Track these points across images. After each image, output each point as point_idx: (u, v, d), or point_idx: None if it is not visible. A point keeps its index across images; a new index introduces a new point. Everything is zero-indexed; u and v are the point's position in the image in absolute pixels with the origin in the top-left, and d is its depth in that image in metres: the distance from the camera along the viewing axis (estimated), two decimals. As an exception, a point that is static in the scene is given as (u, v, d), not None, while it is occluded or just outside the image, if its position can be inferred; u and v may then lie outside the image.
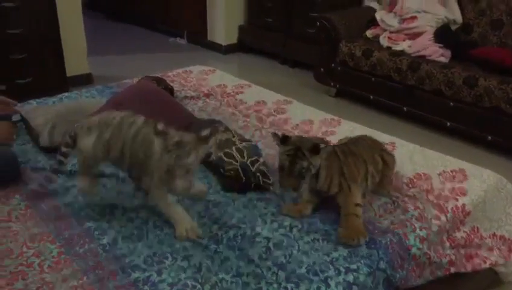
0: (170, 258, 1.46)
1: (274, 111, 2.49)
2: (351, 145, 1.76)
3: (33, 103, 2.50)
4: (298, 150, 1.55)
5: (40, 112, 2.20)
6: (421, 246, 1.60)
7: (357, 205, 1.60)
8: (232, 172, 1.82)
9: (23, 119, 2.23)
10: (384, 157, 1.79)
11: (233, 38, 5.30)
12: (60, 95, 2.67)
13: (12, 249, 1.47)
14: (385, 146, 1.91)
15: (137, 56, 5.19)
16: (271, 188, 1.80)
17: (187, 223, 1.56)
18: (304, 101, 2.69)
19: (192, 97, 2.65)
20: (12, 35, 3.37)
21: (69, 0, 3.82)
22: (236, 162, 1.83)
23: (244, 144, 1.94)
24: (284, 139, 1.60)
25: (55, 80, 3.69)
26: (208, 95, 2.69)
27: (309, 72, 4.57)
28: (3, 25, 3.33)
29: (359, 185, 1.66)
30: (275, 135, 1.63)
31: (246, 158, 1.85)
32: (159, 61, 5.03)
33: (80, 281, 1.35)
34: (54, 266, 1.41)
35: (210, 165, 1.91)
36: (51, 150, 1.94)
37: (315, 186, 1.64)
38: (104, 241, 1.52)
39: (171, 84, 2.69)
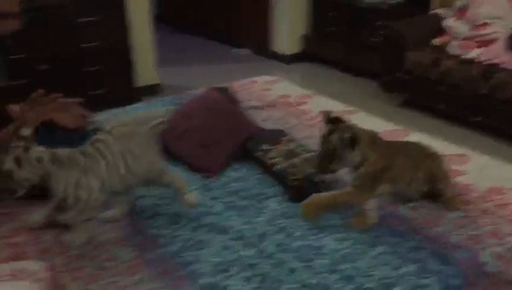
0: (235, 267, 1.49)
1: (339, 121, 2.47)
2: (402, 147, 1.74)
3: (106, 113, 2.62)
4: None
5: (111, 122, 2.30)
6: (495, 263, 1.53)
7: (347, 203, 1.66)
8: (296, 183, 1.82)
9: (94, 129, 2.34)
10: (431, 168, 1.72)
11: (296, 48, 5.33)
12: (131, 106, 2.78)
13: (89, 251, 1.55)
14: (439, 157, 1.79)
15: (203, 67, 5.33)
16: None
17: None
18: (369, 111, 2.65)
19: (256, 107, 2.68)
20: (87, 48, 3.58)
21: (140, 14, 3.99)
22: (301, 173, 1.83)
23: (308, 154, 1.94)
24: (332, 120, 1.61)
25: (126, 90, 3.87)
26: (271, 105, 2.71)
27: (373, 81, 4.49)
28: (80, 39, 3.53)
29: (400, 186, 1.67)
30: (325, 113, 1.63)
31: (310, 169, 1.85)
32: (223, 71, 5.13)
33: (151, 286, 1.40)
34: (127, 270, 1.47)
35: (274, 175, 1.92)
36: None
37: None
38: (172, 248, 1.57)
39: (236, 94, 2.74)
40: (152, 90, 4.28)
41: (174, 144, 2.07)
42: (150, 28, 4.21)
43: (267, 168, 1.96)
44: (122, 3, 3.69)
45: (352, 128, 1.58)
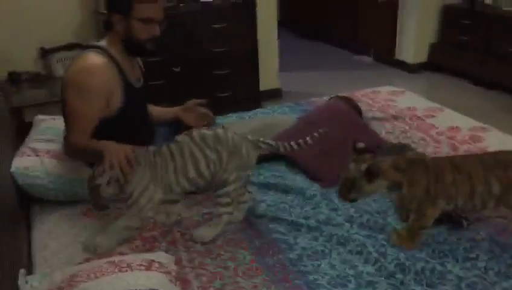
0: (354, 282, 1.46)
1: (469, 138, 2.33)
2: (458, 159, 1.61)
3: (232, 116, 2.73)
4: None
5: (240, 125, 2.39)
6: None
7: (423, 228, 1.58)
8: (423, 201, 1.74)
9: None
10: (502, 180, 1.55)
11: (422, 57, 5.09)
12: (255, 110, 2.87)
13: (211, 250, 1.63)
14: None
15: (323, 73, 5.31)
16: (465, 223, 1.68)
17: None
18: (504, 129, 2.45)
19: (379, 119, 2.62)
20: (218, 53, 3.74)
21: (267, 20, 4.09)
22: (427, 191, 1.75)
23: (436, 172, 1.85)
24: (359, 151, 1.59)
25: (249, 94, 3.98)
26: (396, 118, 2.63)
27: (509, 95, 4.15)
28: (211, 44, 3.71)
29: (449, 203, 1.56)
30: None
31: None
32: (343, 78, 5.08)
33: (269, 291, 1.44)
34: (247, 272, 1.52)
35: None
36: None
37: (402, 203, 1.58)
38: (291, 255, 1.59)
39: (359, 103, 2.70)
40: (273, 95, 4.36)
41: (296, 151, 2.08)
42: (275, 34, 4.30)
43: (390, 183, 1.91)
44: (253, 11, 3.81)
45: (372, 160, 1.54)
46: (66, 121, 1.88)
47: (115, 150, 1.63)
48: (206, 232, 1.68)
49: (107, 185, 1.59)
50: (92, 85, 1.78)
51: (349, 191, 1.55)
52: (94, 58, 1.82)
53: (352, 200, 1.59)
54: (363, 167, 1.51)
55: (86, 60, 1.82)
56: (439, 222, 1.69)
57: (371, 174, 1.51)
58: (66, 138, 1.85)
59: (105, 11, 3.14)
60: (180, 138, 1.70)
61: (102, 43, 1.92)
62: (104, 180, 1.58)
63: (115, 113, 1.87)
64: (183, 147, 1.66)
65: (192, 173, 1.65)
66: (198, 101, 2.21)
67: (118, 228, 1.66)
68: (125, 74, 1.91)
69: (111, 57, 1.86)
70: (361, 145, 1.63)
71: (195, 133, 1.70)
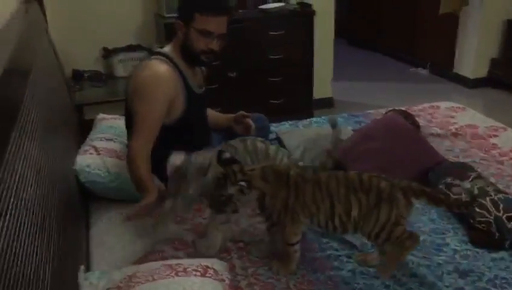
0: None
1: (534, 161, 2.23)
2: (324, 175, 1.52)
3: (286, 124, 2.73)
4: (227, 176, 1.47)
5: (294, 134, 2.39)
6: None
7: (290, 245, 1.53)
8: (483, 225, 1.68)
9: (277, 138, 2.45)
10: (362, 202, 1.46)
11: (483, 72, 4.92)
12: (308, 119, 2.85)
13: (265, 259, 1.62)
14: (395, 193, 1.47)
15: (377, 84, 5.22)
16: None
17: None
18: None
19: (438, 135, 2.55)
20: (274, 60, 3.75)
21: (324, 29, 4.07)
22: (490, 215, 1.69)
23: (500, 195, 1.78)
24: (221, 160, 1.54)
25: (302, 102, 3.96)
26: (455, 135, 2.55)
27: None
28: (267, 51, 3.73)
29: (312, 221, 1.52)
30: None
31: (501, 212, 1.69)
32: (398, 91, 4.97)
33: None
34: (298, 286, 1.50)
35: (457, 212, 1.80)
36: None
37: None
38: (343, 273, 1.56)
39: (416, 118, 2.63)
40: (325, 104, 4.33)
41: (351, 164, 2.05)
42: (331, 43, 4.27)
43: (449, 204, 1.85)
44: (311, 19, 3.80)
45: (242, 171, 1.50)
46: (129, 126, 1.92)
47: (150, 202, 1.69)
48: (208, 244, 1.65)
49: None
50: (158, 93, 1.83)
51: (225, 205, 1.50)
52: (159, 66, 1.86)
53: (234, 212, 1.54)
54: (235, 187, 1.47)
55: (151, 68, 1.86)
56: (500, 245, 1.63)
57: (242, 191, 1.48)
58: (130, 143, 1.88)
59: (169, 15, 3.26)
60: (234, 142, 1.71)
61: (167, 49, 1.96)
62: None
63: (177, 119, 1.91)
64: (237, 152, 1.67)
65: None
66: (245, 113, 2.24)
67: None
68: (187, 81, 1.94)
69: (174, 64, 1.90)
70: (226, 155, 1.57)
71: (249, 141, 1.71)
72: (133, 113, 1.85)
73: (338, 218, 1.49)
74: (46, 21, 3.01)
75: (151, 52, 2.00)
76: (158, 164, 1.82)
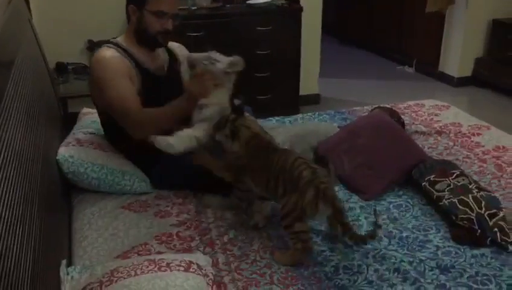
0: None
1: (517, 160, 2.25)
2: (280, 151, 1.70)
3: (273, 120, 2.73)
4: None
5: (280, 130, 2.38)
6: None
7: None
8: (465, 222, 1.70)
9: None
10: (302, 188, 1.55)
11: (467, 71, 4.97)
12: (295, 116, 2.85)
13: (248, 254, 1.62)
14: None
15: (363, 81, 5.25)
16: (510, 247, 1.63)
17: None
18: (554, 152, 2.37)
19: (422, 133, 2.56)
20: (261, 55, 3.74)
21: (312, 25, 4.07)
22: (472, 212, 1.70)
23: (482, 193, 1.80)
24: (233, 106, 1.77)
25: (288, 98, 3.96)
26: (439, 133, 2.57)
27: (558, 117, 4.01)
28: (255, 46, 3.71)
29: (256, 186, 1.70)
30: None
31: (483, 209, 1.71)
32: (384, 88, 5.00)
33: (304, 302, 1.42)
34: (282, 281, 1.50)
35: (439, 208, 1.82)
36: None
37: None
38: (327, 268, 1.56)
39: (402, 116, 2.65)
40: (311, 100, 4.33)
41: (336, 160, 2.06)
42: (319, 39, 4.27)
43: (432, 200, 1.86)
44: (299, 15, 3.79)
45: (238, 123, 1.69)
46: (113, 114, 1.90)
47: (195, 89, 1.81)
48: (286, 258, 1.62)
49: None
50: (114, 71, 1.86)
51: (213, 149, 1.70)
52: (104, 52, 1.89)
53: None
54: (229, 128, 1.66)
55: (97, 57, 1.90)
56: (482, 242, 1.65)
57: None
58: (127, 126, 1.87)
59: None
60: None
61: (118, 38, 2.00)
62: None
63: None
64: None
65: None
66: None
67: (187, 135, 1.75)
68: (140, 63, 1.95)
69: (123, 49, 1.92)
70: (237, 102, 1.78)
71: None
72: (107, 100, 1.86)
73: (269, 191, 1.65)
74: (30, 12, 2.96)
75: (100, 42, 2.01)
76: (143, 151, 1.88)
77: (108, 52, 1.89)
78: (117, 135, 1.98)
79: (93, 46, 3.52)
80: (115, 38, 2.02)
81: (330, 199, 1.53)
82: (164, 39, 1.99)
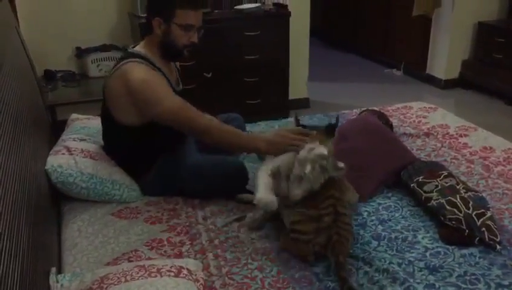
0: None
1: (504, 160, 2.28)
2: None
3: (261, 124, 2.74)
4: None
5: (268, 134, 2.39)
6: None
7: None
8: (453, 222, 1.71)
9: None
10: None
11: (454, 73, 5.02)
12: (284, 120, 2.86)
13: (240, 258, 1.63)
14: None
15: (352, 85, 5.28)
16: (498, 246, 1.65)
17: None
18: (540, 153, 2.40)
19: (411, 135, 2.59)
20: (249, 60, 3.75)
21: (300, 29, 4.09)
22: (460, 212, 1.72)
23: (469, 193, 1.82)
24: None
25: (278, 102, 3.98)
26: (427, 134, 2.59)
27: (544, 117, 4.06)
28: (243, 51, 3.73)
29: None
30: None
31: (471, 209, 1.73)
32: (372, 91, 5.03)
33: (296, 305, 1.42)
34: (273, 284, 1.51)
35: (428, 209, 1.84)
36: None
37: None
38: (317, 270, 1.57)
39: (390, 118, 2.67)
40: (301, 104, 4.35)
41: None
42: (307, 44, 4.30)
43: (421, 201, 1.88)
44: (286, 20, 3.81)
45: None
46: (106, 126, 1.94)
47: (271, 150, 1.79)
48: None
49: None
50: (159, 84, 1.86)
51: None
52: (139, 71, 1.85)
53: None
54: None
55: (135, 74, 1.84)
56: (470, 242, 1.66)
57: None
58: (196, 133, 1.92)
59: (143, 14, 3.23)
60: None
61: (140, 49, 1.94)
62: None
63: None
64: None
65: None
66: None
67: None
68: (167, 78, 1.94)
69: (152, 64, 1.89)
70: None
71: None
72: (165, 114, 1.85)
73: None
74: (17, 20, 2.95)
75: (125, 54, 1.97)
76: (139, 159, 1.88)
77: (143, 69, 1.86)
78: (116, 143, 1.99)
79: (81, 54, 3.52)
80: (133, 46, 2.00)
81: (336, 253, 1.54)
82: (189, 52, 1.98)
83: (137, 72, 1.85)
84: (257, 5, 3.80)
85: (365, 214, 1.87)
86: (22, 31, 2.81)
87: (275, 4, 3.91)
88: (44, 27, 3.43)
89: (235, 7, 3.77)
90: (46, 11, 3.44)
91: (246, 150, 2.00)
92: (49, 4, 3.43)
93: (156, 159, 1.99)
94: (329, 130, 1.81)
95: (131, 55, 1.92)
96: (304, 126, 1.89)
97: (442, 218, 1.75)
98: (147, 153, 1.98)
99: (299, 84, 4.32)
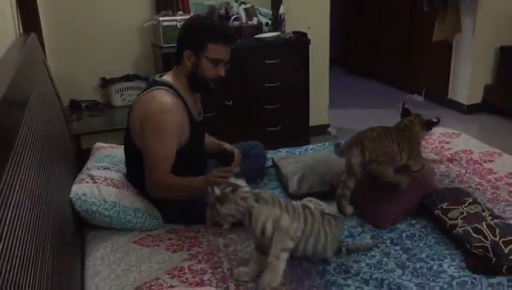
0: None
1: (530, 186, 2.23)
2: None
3: (282, 151, 2.74)
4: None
5: (290, 160, 2.39)
6: None
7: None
8: (480, 250, 1.67)
9: (274, 165, 2.46)
10: None
11: (477, 98, 4.97)
12: (305, 147, 2.86)
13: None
14: None
15: (373, 111, 5.26)
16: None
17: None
18: None
19: (433, 161, 2.56)
20: (269, 88, 3.78)
21: (320, 57, 4.14)
22: (487, 239, 1.68)
23: (496, 220, 1.78)
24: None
25: (299, 129, 3.98)
26: (451, 160, 2.56)
27: None
28: (263, 79, 3.76)
29: None
30: None
31: (498, 237, 1.68)
32: (394, 117, 4.98)
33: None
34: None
35: (453, 237, 1.80)
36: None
37: None
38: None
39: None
40: (321, 131, 4.36)
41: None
42: (327, 71, 4.32)
43: (446, 229, 1.84)
44: (306, 47, 3.85)
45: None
46: (130, 155, 1.97)
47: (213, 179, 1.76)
48: (271, 277, 1.55)
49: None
50: (169, 126, 1.88)
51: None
52: (165, 97, 1.90)
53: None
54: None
55: (158, 100, 1.89)
56: (497, 270, 1.62)
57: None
58: (148, 179, 1.92)
59: (166, 45, 3.31)
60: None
61: (168, 78, 1.99)
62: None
63: (181, 146, 1.95)
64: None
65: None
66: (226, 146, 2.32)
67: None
68: (190, 109, 1.98)
69: (177, 93, 1.93)
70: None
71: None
72: (146, 147, 1.90)
73: None
74: (45, 52, 3.05)
75: (153, 82, 2.02)
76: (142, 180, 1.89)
77: (168, 99, 1.90)
78: (138, 170, 2.01)
79: (105, 84, 3.60)
80: (160, 76, 2.04)
81: None
82: (215, 85, 2.03)
83: (161, 99, 1.89)
84: (277, 33, 3.85)
85: (388, 241, 1.84)
86: (48, 62, 2.90)
87: (294, 32, 3.95)
88: (70, 59, 3.54)
89: (255, 36, 3.83)
90: (71, 43, 3.54)
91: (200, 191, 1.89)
92: (75, 36, 3.54)
93: None
94: (429, 124, 2.21)
95: (160, 83, 1.97)
96: (408, 111, 2.34)
97: (468, 246, 1.71)
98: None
99: (319, 111, 4.33)
